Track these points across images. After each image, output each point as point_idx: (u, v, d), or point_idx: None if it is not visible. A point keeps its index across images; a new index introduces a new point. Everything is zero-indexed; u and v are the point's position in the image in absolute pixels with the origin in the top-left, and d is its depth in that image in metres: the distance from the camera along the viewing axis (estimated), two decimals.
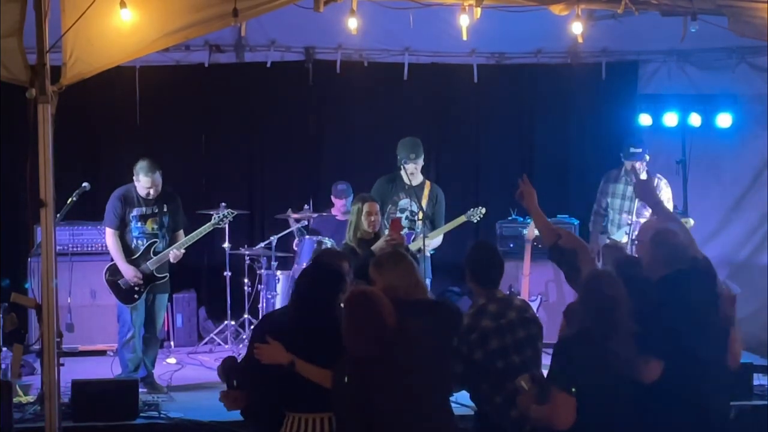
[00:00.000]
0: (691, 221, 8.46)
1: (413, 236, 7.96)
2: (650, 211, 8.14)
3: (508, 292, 9.01)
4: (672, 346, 4.91)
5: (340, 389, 4.62)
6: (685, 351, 4.92)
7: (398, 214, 7.98)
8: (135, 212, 7.81)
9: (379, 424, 4.54)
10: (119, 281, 7.80)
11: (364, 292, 4.79)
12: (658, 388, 4.91)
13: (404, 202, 8.12)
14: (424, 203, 8.05)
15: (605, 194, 8.89)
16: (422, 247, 7.65)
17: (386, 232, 7.37)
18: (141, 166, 7.76)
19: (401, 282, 4.98)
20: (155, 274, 7.85)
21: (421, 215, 7.85)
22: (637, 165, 8.49)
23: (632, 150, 8.58)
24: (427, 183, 8.27)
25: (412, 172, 8.03)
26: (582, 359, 4.72)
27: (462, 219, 8.30)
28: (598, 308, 4.77)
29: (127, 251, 7.82)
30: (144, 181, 7.75)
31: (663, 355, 4.92)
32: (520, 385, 4.86)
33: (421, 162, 8.14)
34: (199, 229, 8.09)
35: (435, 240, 8.13)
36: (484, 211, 8.38)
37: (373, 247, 7.10)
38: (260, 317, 9.20)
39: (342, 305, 4.75)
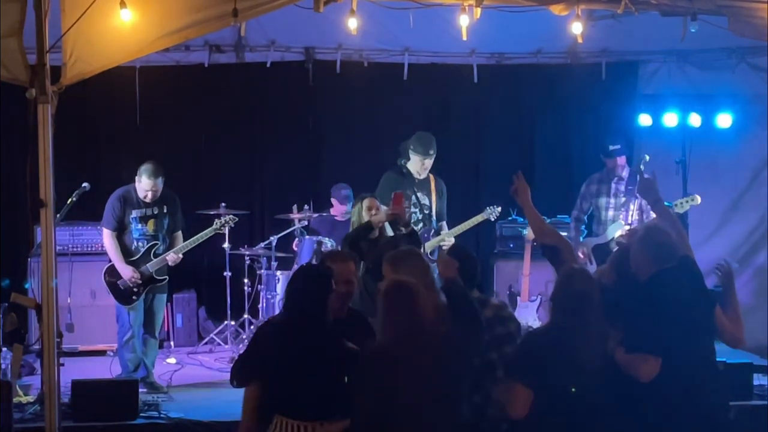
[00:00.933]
0: (698, 198, 8.41)
1: (431, 233, 8.01)
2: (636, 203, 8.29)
3: (507, 292, 9.06)
4: (662, 345, 4.91)
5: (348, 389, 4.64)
6: (674, 350, 4.92)
7: (412, 209, 7.98)
8: (135, 213, 7.79)
9: (385, 425, 4.54)
10: (118, 282, 7.79)
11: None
12: (651, 386, 4.90)
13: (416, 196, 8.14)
14: (433, 197, 8.13)
15: (587, 197, 8.79)
16: (442, 245, 7.85)
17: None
18: (145, 168, 7.74)
19: (414, 280, 4.96)
20: (155, 276, 7.84)
21: (434, 209, 7.93)
22: (619, 161, 8.58)
23: (611, 147, 8.62)
24: (431, 176, 8.29)
25: (427, 167, 8.09)
26: (545, 355, 4.73)
27: (482, 217, 8.38)
28: (568, 304, 4.79)
29: (128, 253, 7.80)
30: (145, 184, 7.74)
31: (655, 353, 4.92)
32: None
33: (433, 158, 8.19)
34: (199, 234, 8.08)
35: (449, 239, 8.16)
36: (500, 210, 8.47)
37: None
38: (261, 318, 9.20)
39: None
